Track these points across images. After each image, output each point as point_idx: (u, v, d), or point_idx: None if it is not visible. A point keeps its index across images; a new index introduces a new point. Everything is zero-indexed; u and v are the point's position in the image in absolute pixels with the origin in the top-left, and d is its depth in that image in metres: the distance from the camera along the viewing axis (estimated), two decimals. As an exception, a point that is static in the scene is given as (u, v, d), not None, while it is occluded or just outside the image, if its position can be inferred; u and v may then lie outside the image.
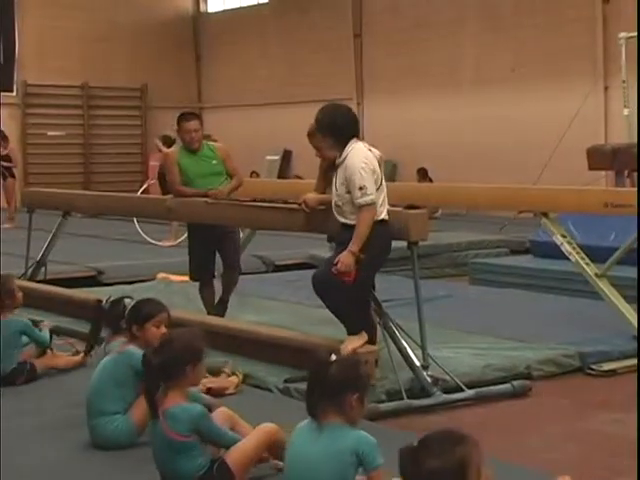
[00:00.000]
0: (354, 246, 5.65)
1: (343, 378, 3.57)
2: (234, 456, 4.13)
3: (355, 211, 5.74)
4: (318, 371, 3.63)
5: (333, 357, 3.70)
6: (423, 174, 18.79)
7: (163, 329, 4.98)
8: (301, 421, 3.77)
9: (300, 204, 6.39)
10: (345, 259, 5.64)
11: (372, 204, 5.69)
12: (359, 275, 5.68)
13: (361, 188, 5.66)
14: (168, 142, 15.61)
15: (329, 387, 3.56)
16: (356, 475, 3.61)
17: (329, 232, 6.81)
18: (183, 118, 7.74)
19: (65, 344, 6.95)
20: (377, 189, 5.75)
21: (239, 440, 4.20)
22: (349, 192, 5.74)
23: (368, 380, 3.99)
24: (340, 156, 5.83)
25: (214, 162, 7.72)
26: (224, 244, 7.72)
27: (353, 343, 5.82)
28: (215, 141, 8.72)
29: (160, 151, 15.74)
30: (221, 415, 4.39)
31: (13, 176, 17.90)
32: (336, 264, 5.65)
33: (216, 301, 7.89)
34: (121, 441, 4.78)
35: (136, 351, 4.82)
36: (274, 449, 4.21)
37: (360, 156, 5.77)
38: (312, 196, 6.40)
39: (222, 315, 7.74)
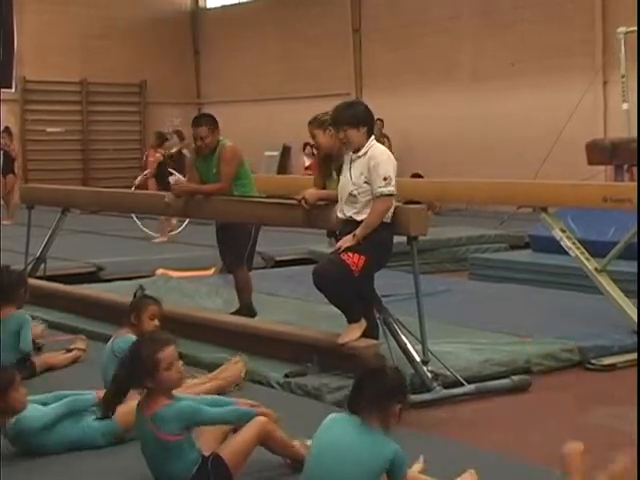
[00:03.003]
0: (360, 232, 5.70)
1: (395, 389, 3.74)
2: (228, 450, 4.09)
3: (369, 202, 5.76)
4: (372, 378, 3.74)
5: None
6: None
7: (156, 322, 5.34)
8: (300, 417, 3.78)
9: (300, 200, 6.39)
10: (347, 240, 5.70)
11: (391, 196, 5.74)
12: (363, 267, 5.69)
13: (385, 178, 5.71)
14: (161, 139, 15.52)
15: (381, 395, 3.70)
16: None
17: (329, 227, 6.81)
18: (193, 122, 7.49)
19: (52, 342, 6.93)
20: None
21: (243, 413, 4.18)
22: (367, 182, 5.77)
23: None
24: (359, 150, 5.84)
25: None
26: (225, 241, 7.75)
27: (352, 332, 5.85)
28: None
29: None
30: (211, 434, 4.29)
31: (13, 172, 17.89)
32: (340, 249, 5.71)
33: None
34: (103, 441, 4.75)
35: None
36: (268, 441, 4.20)
37: (385, 151, 5.88)
38: (312, 192, 6.42)
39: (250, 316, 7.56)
